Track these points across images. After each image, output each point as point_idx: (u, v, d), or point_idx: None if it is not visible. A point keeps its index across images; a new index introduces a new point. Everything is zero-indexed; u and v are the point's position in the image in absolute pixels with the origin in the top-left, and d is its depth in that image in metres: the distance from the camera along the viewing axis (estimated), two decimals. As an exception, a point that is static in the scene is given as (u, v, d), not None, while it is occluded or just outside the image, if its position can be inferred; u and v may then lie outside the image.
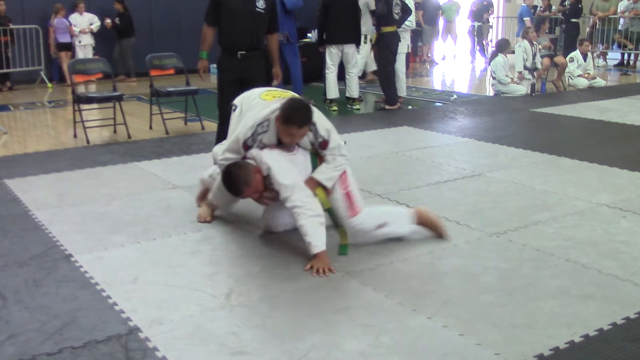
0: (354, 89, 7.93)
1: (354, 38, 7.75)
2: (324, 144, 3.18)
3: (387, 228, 3.28)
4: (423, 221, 3.39)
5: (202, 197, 3.85)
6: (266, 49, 4.89)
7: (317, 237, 2.98)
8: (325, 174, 3.19)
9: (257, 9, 4.61)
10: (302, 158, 3.23)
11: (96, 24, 10.89)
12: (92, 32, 10.81)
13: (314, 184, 3.16)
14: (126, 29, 10.91)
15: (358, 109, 7.80)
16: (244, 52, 4.63)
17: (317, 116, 3.19)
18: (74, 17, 10.71)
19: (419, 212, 3.39)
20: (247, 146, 3.18)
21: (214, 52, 4.79)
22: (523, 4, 12.79)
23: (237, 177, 3.15)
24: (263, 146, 3.20)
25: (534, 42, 9.19)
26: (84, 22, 10.74)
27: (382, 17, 7.50)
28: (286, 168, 3.12)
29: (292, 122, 3.07)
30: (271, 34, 4.81)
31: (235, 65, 4.64)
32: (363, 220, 3.21)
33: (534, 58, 9.09)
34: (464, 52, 14.45)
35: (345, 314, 2.59)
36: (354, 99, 7.94)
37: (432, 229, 3.41)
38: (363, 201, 3.31)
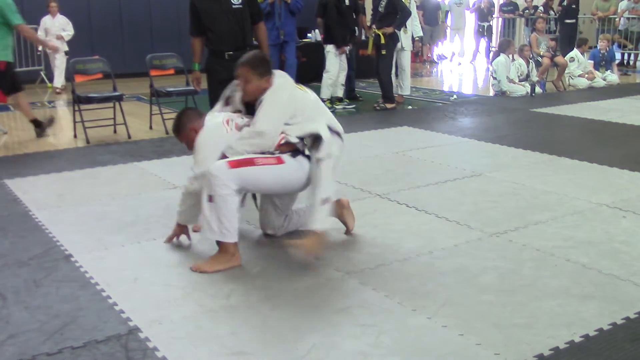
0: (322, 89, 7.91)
1: (328, 39, 7.92)
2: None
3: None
4: (337, 213, 3.44)
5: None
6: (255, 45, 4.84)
7: (180, 212, 3.27)
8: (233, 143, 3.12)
9: (233, 6, 4.54)
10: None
11: (69, 32, 9.67)
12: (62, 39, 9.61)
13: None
14: None
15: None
16: (231, 52, 4.57)
17: (274, 98, 3.14)
18: (45, 20, 9.53)
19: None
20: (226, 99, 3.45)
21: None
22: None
23: (178, 120, 3.41)
24: (231, 108, 3.45)
25: (530, 60, 9.07)
26: (55, 26, 9.56)
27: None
28: (209, 149, 3.14)
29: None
30: (257, 24, 4.73)
31: (224, 67, 4.57)
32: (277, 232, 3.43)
33: (528, 77, 8.96)
34: (467, 51, 14.40)
35: (345, 314, 2.59)
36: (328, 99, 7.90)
37: (341, 221, 3.47)
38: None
